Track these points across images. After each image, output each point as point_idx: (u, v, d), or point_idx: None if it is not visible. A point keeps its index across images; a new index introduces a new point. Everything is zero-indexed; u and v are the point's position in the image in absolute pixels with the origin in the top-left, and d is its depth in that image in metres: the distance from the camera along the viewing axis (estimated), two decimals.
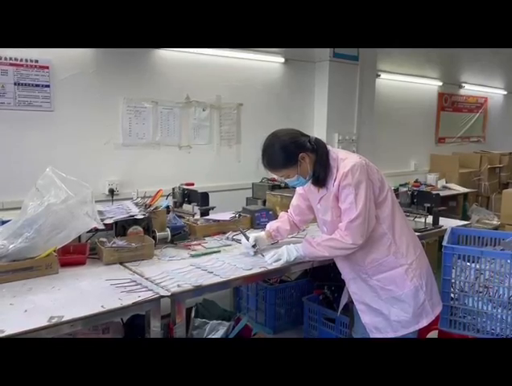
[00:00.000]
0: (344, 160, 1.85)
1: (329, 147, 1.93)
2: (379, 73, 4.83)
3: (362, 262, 1.92)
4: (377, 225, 1.87)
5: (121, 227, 2.21)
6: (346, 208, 1.83)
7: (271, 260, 2.03)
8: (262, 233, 2.26)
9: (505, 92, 7.05)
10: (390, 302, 1.91)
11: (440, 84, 5.82)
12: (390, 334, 1.92)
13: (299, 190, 2.20)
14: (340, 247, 1.86)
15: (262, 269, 1.99)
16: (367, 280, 1.93)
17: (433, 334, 2.37)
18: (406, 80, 5.22)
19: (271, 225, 2.30)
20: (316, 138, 1.92)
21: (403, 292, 1.89)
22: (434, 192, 3.08)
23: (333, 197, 1.87)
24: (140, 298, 1.61)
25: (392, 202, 1.91)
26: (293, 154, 1.85)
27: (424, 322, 1.91)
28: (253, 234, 2.23)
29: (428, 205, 2.81)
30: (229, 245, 2.35)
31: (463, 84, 6.24)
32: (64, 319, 1.43)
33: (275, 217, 2.79)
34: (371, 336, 1.98)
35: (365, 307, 1.99)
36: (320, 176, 1.87)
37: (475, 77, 6.37)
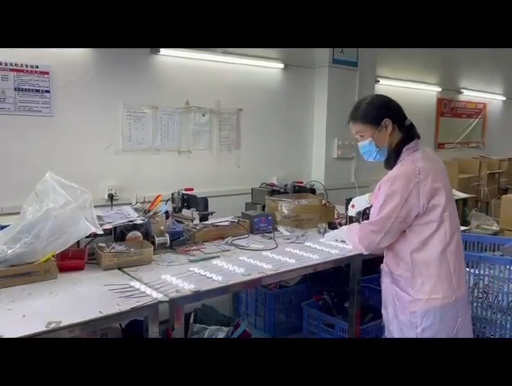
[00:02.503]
0: (403, 164, 1.78)
1: (413, 143, 1.82)
2: (378, 79, 4.84)
3: (391, 264, 1.88)
4: (403, 244, 1.79)
5: (120, 233, 2.21)
6: (372, 211, 1.82)
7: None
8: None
9: (504, 98, 7.07)
10: (391, 315, 1.88)
11: (439, 89, 5.83)
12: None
13: None
14: (352, 241, 1.90)
15: (261, 274, 1.99)
16: (391, 281, 1.89)
17: None
18: (405, 86, 5.23)
19: None
20: (411, 125, 1.87)
21: (400, 317, 1.82)
22: None
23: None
24: (138, 304, 1.60)
25: (430, 235, 1.74)
26: (379, 114, 1.83)
27: None
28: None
29: None
30: (228, 250, 2.34)
31: (462, 90, 6.26)
32: (62, 325, 1.43)
33: (275, 222, 2.80)
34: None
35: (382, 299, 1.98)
36: (390, 158, 1.83)
37: (474, 83, 6.38)
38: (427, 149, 1.90)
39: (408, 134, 1.85)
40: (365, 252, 1.88)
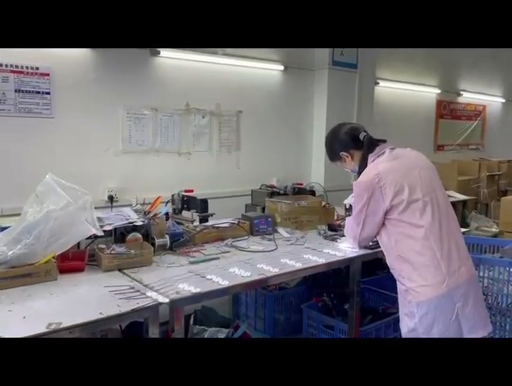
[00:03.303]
0: (366, 170, 1.96)
1: (377, 149, 1.99)
2: (378, 81, 4.85)
3: (386, 256, 2.03)
4: (386, 236, 1.94)
5: (120, 234, 2.21)
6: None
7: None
8: None
9: (504, 100, 7.09)
10: (400, 311, 1.95)
11: (439, 91, 5.85)
12: None
13: None
14: (346, 234, 2.29)
15: (261, 276, 1.99)
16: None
17: None
18: (404, 88, 5.25)
19: None
20: (366, 138, 2.03)
21: (404, 310, 1.90)
22: None
23: None
24: (139, 305, 1.60)
25: (409, 226, 1.84)
26: (334, 152, 2.14)
27: None
28: None
29: None
30: (228, 252, 2.34)
31: (461, 92, 6.27)
32: (62, 326, 1.43)
33: (274, 223, 2.80)
34: None
35: None
36: (361, 170, 2.01)
37: (473, 85, 6.40)
38: (399, 149, 2.01)
39: (368, 145, 2.02)
40: (355, 245, 2.21)
